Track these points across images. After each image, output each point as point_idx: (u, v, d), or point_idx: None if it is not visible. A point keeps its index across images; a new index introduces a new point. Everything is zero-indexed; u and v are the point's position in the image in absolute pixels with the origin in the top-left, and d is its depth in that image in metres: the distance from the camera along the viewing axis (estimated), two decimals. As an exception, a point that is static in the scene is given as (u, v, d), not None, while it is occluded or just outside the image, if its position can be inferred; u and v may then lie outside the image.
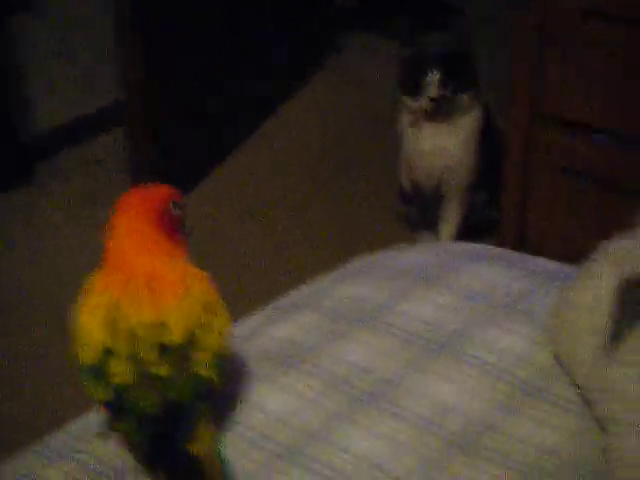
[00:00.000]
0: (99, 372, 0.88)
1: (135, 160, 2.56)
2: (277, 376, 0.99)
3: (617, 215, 1.07)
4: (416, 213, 2.43)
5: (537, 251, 2.14)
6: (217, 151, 2.80)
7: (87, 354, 0.89)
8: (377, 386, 0.97)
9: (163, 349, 0.87)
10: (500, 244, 2.26)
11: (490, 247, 1.30)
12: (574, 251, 1.39)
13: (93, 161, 2.79)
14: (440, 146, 2.24)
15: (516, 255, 1.26)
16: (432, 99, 2.14)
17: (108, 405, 0.88)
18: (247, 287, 2.31)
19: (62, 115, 2.81)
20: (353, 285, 1.12)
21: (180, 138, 2.62)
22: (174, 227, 0.95)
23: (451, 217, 2.35)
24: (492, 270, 1.12)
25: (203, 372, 0.88)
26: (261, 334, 1.06)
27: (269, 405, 0.95)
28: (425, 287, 1.09)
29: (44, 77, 2.75)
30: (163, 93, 2.53)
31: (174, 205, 0.96)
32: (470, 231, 2.38)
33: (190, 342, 0.88)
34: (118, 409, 0.87)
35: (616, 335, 0.89)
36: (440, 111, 2.18)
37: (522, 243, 2.22)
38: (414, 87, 2.17)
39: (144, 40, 2.42)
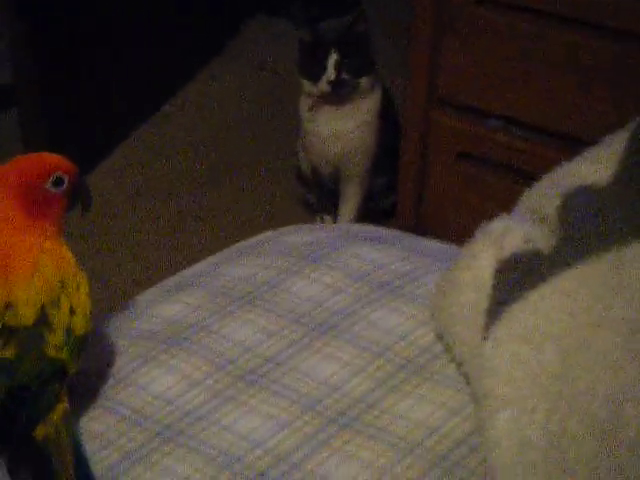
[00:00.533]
0: None
1: (29, 142, 2.51)
2: (160, 356, 0.98)
3: (512, 200, 1.08)
4: (315, 197, 2.44)
5: (434, 236, 2.19)
6: (116, 132, 2.76)
7: None
8: (261, 365, 0.97)
9: (10, 331, 0.84)
10: (398, 228, 2.29)
11: (381, 228, 1.31)
12: (470, 236, 1.42)
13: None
14: (339, 130, 2.25)
15: (407, 236, 1.27)
16: (330, 82, 2.15)
17: None
18: (144, 268, 2.29)
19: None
20: (240, 265, 1.12)
21: (76, 120, 2.57)
22: (46, 206, 0.90)
23: (350, 201, 2.36)
24: (380, 251, 1.13)
25: (53, 353, 0.85)
26: (145, 314, 1.05)
27: (151, 385, 0.95)
28: (312, 267, 1.09)
29: None
30: (57, 76, 2.48)
31: (55, 181, 0.90)
32: (370, 215, 2.41)
33: (41, 322, 0.86)
34: None
35: (493, 314, 0.91)
36: (339, 94, 2.19)
37: (419, 228, 2.25)
38: (313, 71, 2.18)
39: (34, 19, 2.37)
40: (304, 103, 2.27)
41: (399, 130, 2.24)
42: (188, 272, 1.15)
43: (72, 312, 0.88)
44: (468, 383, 0.95)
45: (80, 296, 0.89)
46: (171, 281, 1.13)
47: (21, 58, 2.42)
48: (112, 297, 2.16)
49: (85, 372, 0.93)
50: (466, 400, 0.94)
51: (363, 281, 1.07)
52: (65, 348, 0.86)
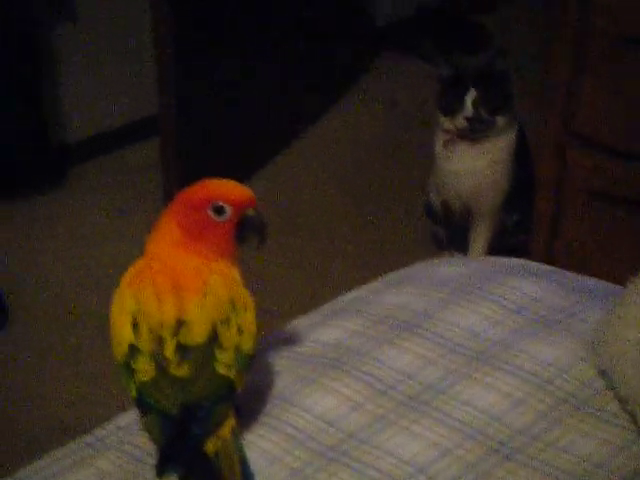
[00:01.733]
0: (128, 369, 0.88)
1: (167, 173, 2.59)
2: (322, 378, 0.99)
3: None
4: (445, 233, 2.44)
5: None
6: (247, 167, 2.82)
7: (117, 350, 0.90)
8: (421, 392, 0.97)
9: (184, 349, 0.87)
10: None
11: (528, 262, 1.31)
12: (603, 277, 1.40)
13: (128, 171, 2.82)
14: (472, 167, 2.25)
15: (555, 270, 1.27)
16: (467, 119, 2.16)
17: (136, 402, 0.88)
18: (275, 304, 2.31)
19: (100, 123, 2.85)
20: (395, 293, 1.13)
21: (211, 153, 2.64)
22: (206, 229, 0.92)
23: (480, 238, 2.35)
24: (536, 284, 1.13)
25: (224, 371, 0.87)
26: (305, 338, 1.07)
27: (315, 406, 0.96)
28: (467, 298, 1.10)
29: (86, 83, 2.79)
30: (196, 107, 2.56)
31: (215, 209, 0.92)
32: (500, 253, 2.38)
33: (212, 340, 0.88)
34: (141, 407, 0.88)
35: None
36: (474, 131, 2.19)
37: (552, 264, 2.22)
38: (450, 106, 2.18)
39: (179, 56, 2.45)
40: (439, 139, 2.28)
41: (533, 167, 2.22)
42: (344, 298, 1.17)
43: (240, 332, 0.90)
44: (634, 421, 0.93)
45: (247, 317, 0.91)
46: (327, 307, 1.15)
47: (166, 93, 2.50)
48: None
49: (249, 391, 0.96)
50: (632, 438, 0.92)
51: (521, 314, 1.07)
52: (234, 367, 0.88)
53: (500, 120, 2.19)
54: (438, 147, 2.29)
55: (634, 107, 2.01)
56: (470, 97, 2.15)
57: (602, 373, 0.99)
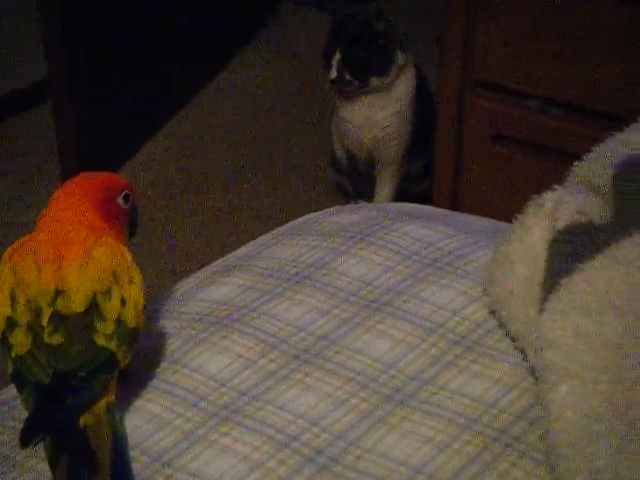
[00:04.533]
0: (4, 344, 0.86)
1: (60, 140, 2.52)
2: (212, 337, 0.97)
3: (548, 181, 1.07)
4: (350, 182, 2.43)
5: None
6: (147, 125, 2.77)
7: None
8: (314, 344, 0.96)
9: (60, 317, 0.85)
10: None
11: (424, 206, 1.30)
12: (507, 219, 1.40)
13: (19, 140, 2.74)
14: (370, 117, 2.24)
15: (451, 213, 1.26)
16: (332, 80, 2.15)
17: (13, 378, 0.86)
18: (179, 264, 2.29)
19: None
20: (286, 246, 1.11)
21: (105, 115, 2.58)
22: (115, 217, 0.94)
23: (386, 186, 2.35)
24: (426, 228, 1.12)
25: (102, 342, 0.85)
26: (193, 298, 1.04)
27: (205, 366, 0.94)
28: (358, 246, 1.09)
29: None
30: (87, 72, 2.49)
31: (125, 196, 0.96)
32: (406, 200, 2.39)
33: (91, 311, 0.86)
34: (17, 381, 0.85)
35: (550, 286, 0.90)
36: (342, 91, 2.18)
37: (455, 207, 2.24)
38: (325, 63, 2.17)
39: (66, 18, 2.37)
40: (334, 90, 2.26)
41: (435, 113, 2.22)
42: (234, 255, 1.14)
43: (124, 304, 0.88)
44: (524, 357, 0.94)
45: (132, 289, 0.90)
46: (218, 264, 1.13)
47: (55, 55, 2.43)
48: (150, 286, 2.16)
49: (138, 355, 0.93)
50: (523, 374, 0.93)
51: (412, 259, 1.06)
52: (115, 338, 0.86)
53: (375, 80, 2.17)
54: (335, 99, 2.27)
55: (528, 48, 2.02)
56: (335, 59, 2.13)
57: (493, 313, 0.99)
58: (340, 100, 2.25)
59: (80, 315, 0.85)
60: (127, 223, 0.97)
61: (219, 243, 2.34)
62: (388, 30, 2.17)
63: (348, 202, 2.44)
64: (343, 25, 2.16)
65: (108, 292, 0.87)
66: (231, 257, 1.14)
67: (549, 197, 0.98)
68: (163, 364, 0.95)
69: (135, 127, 2.70)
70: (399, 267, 1.05)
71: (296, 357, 0.95)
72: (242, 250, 1.15)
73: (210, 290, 1.05)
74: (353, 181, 2.41)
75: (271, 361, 0.95)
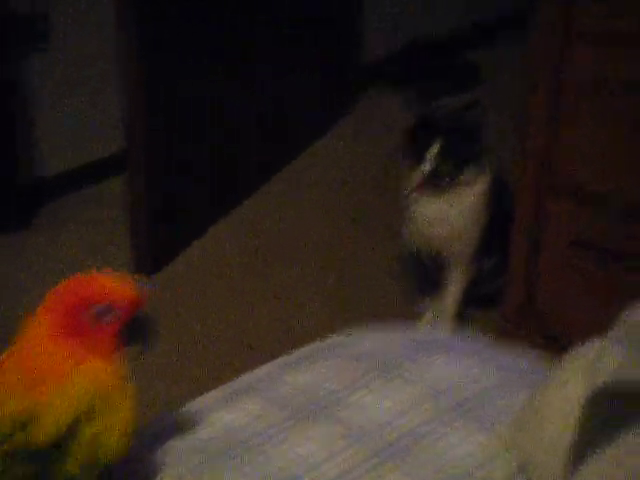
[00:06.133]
0: None
1: (136, 209, 2.50)
2: (215, 470, 0.90)
3: (624, 290, 0.98)
4: (419, 277, 2.35)
5: (542, 322, 2.07)
6: (223, 199, 2.74)
7: None
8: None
9: (29, 447, 0.77)
10: (505, 313, 2.17)
11: (458, 337, 1.22)
12: (578, 324, 1.30)
13: (96, 208, 2.74)
14: (442, 215, 2.15)
15: (486, 347, 1.17)
16: (427, 172, 2.07)
17: None
18: (250, 336, 2.23)
19: (68, 160, 2.78)
20: (305, 371, 1.04)
21: (184, 186, 2.56)
22: (88, 331, 0.82)
23: (454, 285, 2.26)
24: (456, 365, 1.04)
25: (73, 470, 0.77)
26: (202, 422, 0.98)
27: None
28: (381, 379, 1.01)
29: (52, 121, 2.72)
30: (167, 140, 2.47)
31: (100, 311, 0.82)
32: (476, 299, 2.30)
33: (60, 443, 0.78)
34: None
35: (579, 451, 0.80)
36: (434, 185, 2.10)
37: (527, 312, 2.13)
38: (414, 155, 2.10)
39: (147, 89, 2.37)
40: (409, 184, 2.19)
41: (510, 214, 2.13)
42: (255, 375, 1.07)
43: (100, 435, 0.80)
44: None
45: (115, 419, 0.81)
46: (239, 382, 1.06)
47: (134, 127, 2.42)
48: (220, 356, 2.13)
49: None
50: None
51: (437, 400, 0.98)
52: (90, 472, 0.79)
53: (465, 173, 2.10)
54: (407, 194, 2.20)
55: (611, 153, 1.93)
56: (432, 151, 2.05)
57: (521, 468, 0.90)
58: (414, 193, 2.18)
59: (49, 446, 0.77)
60: (119, 340, 0.83)
61: (288, 319, 2.28)
62: (481, 125, 2.11)
63: (416, 296, 2.36)
64: (438, 117, 2.10)
65: (83, 422, 0.79)
66: (252, 376, 1.07)
67: (590, 347, 0.89)
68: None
69: (210, 201, 2.68)
70: (423, 407, 0.97)
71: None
72: (263, 370, 1.08)
73: (219, 415, 0.98)
74: (420, 276, 2.32)
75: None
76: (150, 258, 2.49)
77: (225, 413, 0.98)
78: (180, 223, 2.57)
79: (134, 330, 0.85)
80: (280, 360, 1.10)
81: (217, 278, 2.46)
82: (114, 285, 0.84)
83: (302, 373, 1.04)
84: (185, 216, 2.59)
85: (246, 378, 1.07)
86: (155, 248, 2.49)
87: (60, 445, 0.78)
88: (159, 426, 0.96)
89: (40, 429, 0.78)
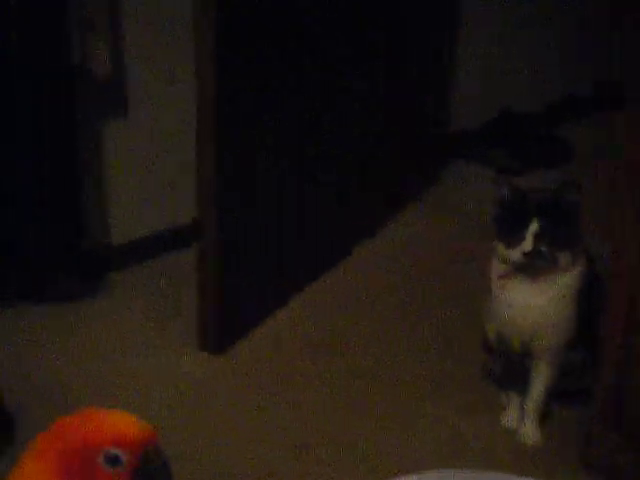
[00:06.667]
0: None
1: (204, 287, 2.38)
2: None
3: None
4: (502, 368, 2.17)
5: (632, 432, 1.88)
6: (293, 280, 2.61)
7: None
8: None
9: None
10: (597, 413, 1.98)
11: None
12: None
13: (163, 280, 2.65)
14: (531, 303, 1.99)
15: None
16: (526, 254, 1.91)
17: None
18: (309, 438, 2.08)
19: (136, 229, 2.70)
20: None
21: (253, 267, 2.45)
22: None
23: (541, 378, 2.08)
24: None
25: None
26: None
27: None
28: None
29: (122, 188, 2.65)
30: (237, 217, 2.37)
31: (109, 458, 0.70)
32: (564, 395, 2.11)
33: None
34: None
35: None
36: (534, 266, 1.94)
37: (616, 418, 1.94)
38: (509, 236, 1.94)
39: (221, 165, 2.26)
40: (496, 267, 2.02)
41: (604, 299, 1.95)
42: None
43: None
44: None
45: None
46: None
47: (206, 202, 2.33)
48: (269, 462, 1.97)
49: None
50: None
51: None
52: None
53: (563, 257, 1.93)
54: (494, 277, 2.04)
55: None
56: (532, 230, 1.90)
57: None
58: (498, 279, 2.01)
59: None
60: None
61: (351, 421, 2.12)
62: (579, 208, 1.95)
63: (499, 389, 2.18)
64: (534, 196, 1.95)
65: None
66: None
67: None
68: None
69: (279, 281, 2.55)
70: None
71: None
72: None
73: None
74: (505, 368, 2.14)
75: None
76: (215, 337, 2.37)
77: None
78: (248, 303, 2.45)
79: (149, 475, 0.73)
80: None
81: (281, 364, 2.32)
82: (122, 423, 0.72)
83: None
84: (254, 297, 2.47)
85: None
86: (221, 327, 2.38)
87: None
88: None
89: None
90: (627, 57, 2.23)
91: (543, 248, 1.90)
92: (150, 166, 2.67)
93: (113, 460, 0.70)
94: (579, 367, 2.08)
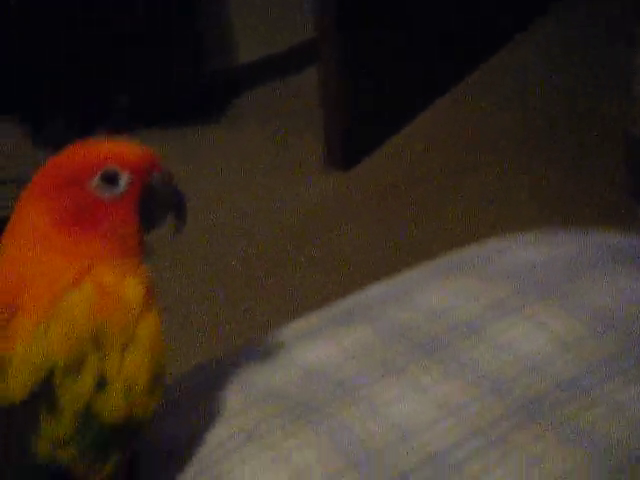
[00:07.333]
0: None
1: (328, 103, 2.26)
2: (293, 425, 0.65)
3: None
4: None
5: None
6: (418, 95, 2.45)
7: None
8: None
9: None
10: None
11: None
12: None
13: (286, 100, 2.54)
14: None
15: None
16: None
17: None
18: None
19: (259, 50, 2.59)
20: (437, 289, 0.75)
21: (380, 77, 2.30)
22: (90, 213, 0.58)
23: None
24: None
25: (45, 451, 0.54)
26: (277, 362, 0.71)
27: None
28: (538, 305, 0.71)
29: (242, 8, 2.53)
30: (359, 26, 2.20)
31: (104, 177, 0.58)
32: None
33: (38, 398, 0.54)
34: None
35: None
36: None
37: None
38: None
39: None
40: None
41: None
42: (369, 293, 0.80)
43: (102, 385, 0.56)
44: None
45: (129, 361, 0.57)
46: (345, 303, 0.79)
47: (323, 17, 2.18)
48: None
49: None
50: None
51: (608, 335, 0.67)
52: (74, 442, 0.55)
53: None
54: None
55: None
56: None
57: None
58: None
59: (16, 406, 0.54)
60: (132, 218, 0.59)
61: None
62: None
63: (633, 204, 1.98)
64: None
65: (76, 367, 0.55)
66: (363, 296, 0.80)
67: None
68: (193, 465, 0.64)
69: (404, 95, 2.40)
70: (585, 347, 0.67)
71: None
72: (379, 287, 0.81)
73: (303, 353, 0.71)
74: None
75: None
76: (342, 154, 2.28)
77: (311, 349, 0.72)
78: (374, 118, 2.32)
79: (157, 201, 0.60)
80: (407, 275, 0.81)
81: (408, 184, 2.20)
82: (118, 145, 0.60)
83: (434, 292, 0.75)
84: (379, 112, 2.34)
85: (359, 297, 0.80)
86: (347, 144, 2.27)
87: (41, 398, 0.54)
88: (212, 372, 0.72)
89: (12, 378, 0.55)
90: None
91: None
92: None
93: (110, 179, 0.58)
94: None
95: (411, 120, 2.39)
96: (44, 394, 0.54)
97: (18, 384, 0.54)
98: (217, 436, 0.64)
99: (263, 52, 2.59)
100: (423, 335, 0.70)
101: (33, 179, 0.60)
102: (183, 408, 0.68)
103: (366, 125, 2.29)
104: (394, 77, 2.33)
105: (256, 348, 0.74)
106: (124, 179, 0.58)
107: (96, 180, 0.58)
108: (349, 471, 0.60)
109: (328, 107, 2.27)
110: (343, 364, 0.69)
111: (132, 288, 0.58)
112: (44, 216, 0.58)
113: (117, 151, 0.59)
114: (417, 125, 2.38)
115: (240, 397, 0.68)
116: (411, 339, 0.70)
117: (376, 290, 0.79)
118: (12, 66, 2.27)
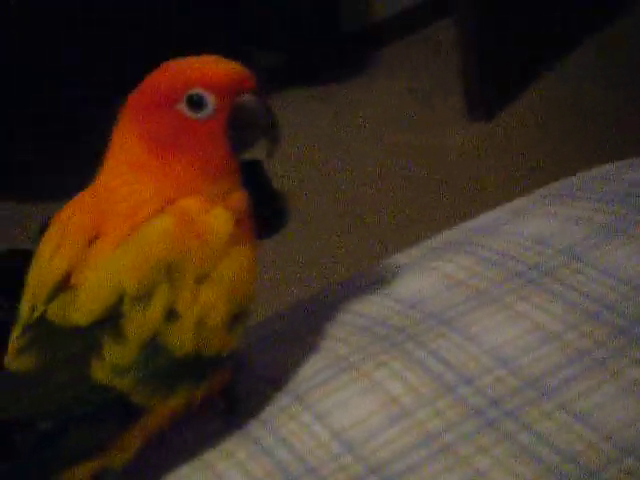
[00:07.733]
0: None
1: (466, 53, 2.21)
2: (384, 354, 0.63)
3: None
4: None
5: None
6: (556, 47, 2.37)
7: None
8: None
9: (44, 329, 0.54)
10: None
11: None
12: None
13: (426, 53, 2.50)
14: None
15: None
16: None
17: None
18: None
19: (396, 3, 2.55)
20: (541, 216, 0.72)
21: (518, 23, 2.23)
22: (178, 135, 0.57)
23: None
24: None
25: (101, 377, 0.53)
26: (373, 295, 0.69)
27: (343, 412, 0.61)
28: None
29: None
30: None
31: (191, 100, 0.56)
32: None
33: (104, 324, 0.54)
34: None
35: None
36: None
37: None
38: None
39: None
40: None
41: None
42: (470, 225, 0.77)
43: (171, 317, 0.55)
44: None
45: (204, 297, 0.55)
46: (447, 236, 0.76)
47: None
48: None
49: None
50: None
51: None
52: (133, 371, 0.54)
53: None
54: None
55: None
56: None
57: None
58: None
59: (81, 330, 0.54)
60: (222, 140, 0.57)
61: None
62: None
63: None
64: None
65: (147, 296, 0.54)
66: (465, 228, 0.77)
67: None
68: (284, 398, 0.64)
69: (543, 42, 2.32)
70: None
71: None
72: (488, 217, 0.77)
73: (407, 282, 0.69)
74: None
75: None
76: (483, 104, 2.23)
77: (409, 281, 0.70)
78: (514, 65, 2.26)
79: (247, 121, 0.58)
80: (513, 203, 0.78)
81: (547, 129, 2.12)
82: (204, 63, 0.58)
83: (536, 219, 0.72)
84: (519, 58, 2.28)
85: (460, 228, 0.76)
86: (488, 93, 2.22)
87: (108, 324, 0.54)
88: (314, 305, 0.71)
89: (73, 303, 0.54)
90: None
91: None
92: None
93: (195, 103, 0.57)
94: None
95: (549, 69, 2.32)
96: (111, 320, 0.54)
97: (86, 308, 0.54)
98: (314, 365, 0.63)
99: (400, 4, 2.55)
100: (521, 264, 0.67)
101: (128, 98, 0.59)
102: (287, 338, 0.67)
103: (506, 72, 2.24)
104: (531, 27, 2.27)
105: (356, 282, 0.73)
106: (211, 101, 0.57)
107: (182, 104, 0.57)
108: (441, 398, 0.58)
109: (465, 57, 2.22)
110: (439, 295, 0.67)
111: (219, 219, 0.57)
112: (136, 139, 0.57)
113: (204, 72, 0.57)
114: (553, 74, 2.30)
115: (340, 328, 0.67)
116: (509, 268, 0.66)
117: (478, 221, 0.77)
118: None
